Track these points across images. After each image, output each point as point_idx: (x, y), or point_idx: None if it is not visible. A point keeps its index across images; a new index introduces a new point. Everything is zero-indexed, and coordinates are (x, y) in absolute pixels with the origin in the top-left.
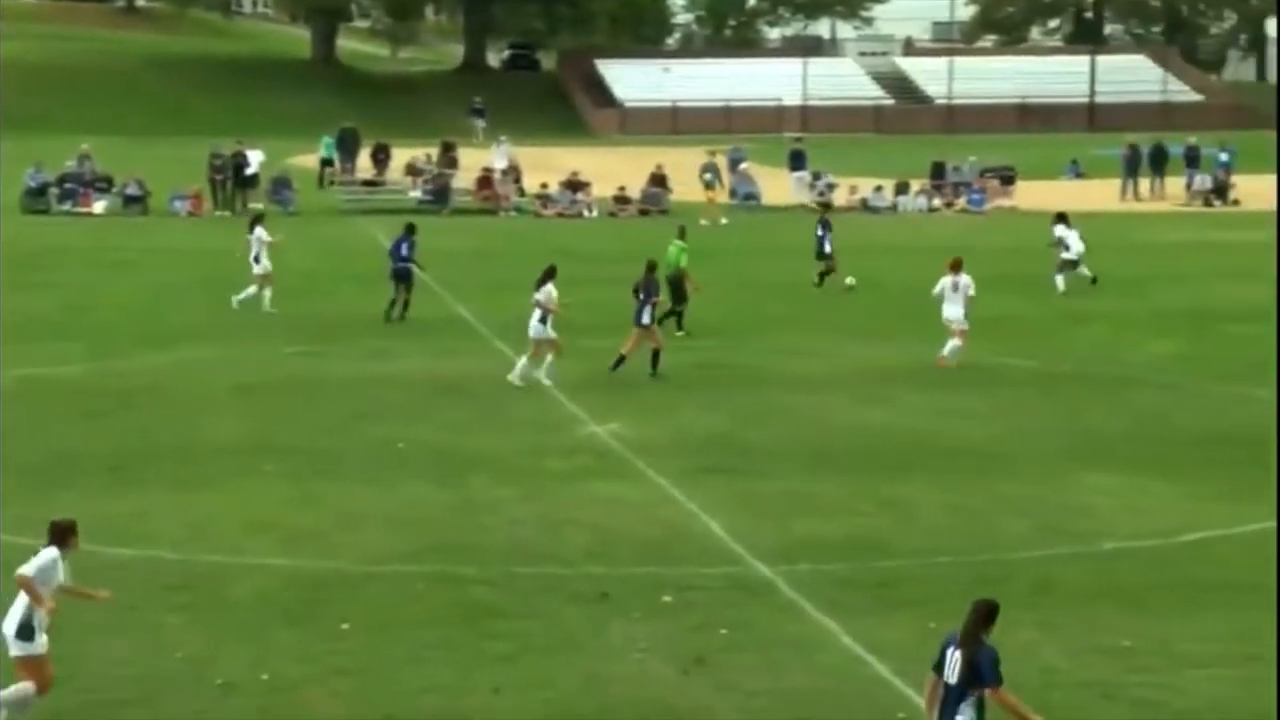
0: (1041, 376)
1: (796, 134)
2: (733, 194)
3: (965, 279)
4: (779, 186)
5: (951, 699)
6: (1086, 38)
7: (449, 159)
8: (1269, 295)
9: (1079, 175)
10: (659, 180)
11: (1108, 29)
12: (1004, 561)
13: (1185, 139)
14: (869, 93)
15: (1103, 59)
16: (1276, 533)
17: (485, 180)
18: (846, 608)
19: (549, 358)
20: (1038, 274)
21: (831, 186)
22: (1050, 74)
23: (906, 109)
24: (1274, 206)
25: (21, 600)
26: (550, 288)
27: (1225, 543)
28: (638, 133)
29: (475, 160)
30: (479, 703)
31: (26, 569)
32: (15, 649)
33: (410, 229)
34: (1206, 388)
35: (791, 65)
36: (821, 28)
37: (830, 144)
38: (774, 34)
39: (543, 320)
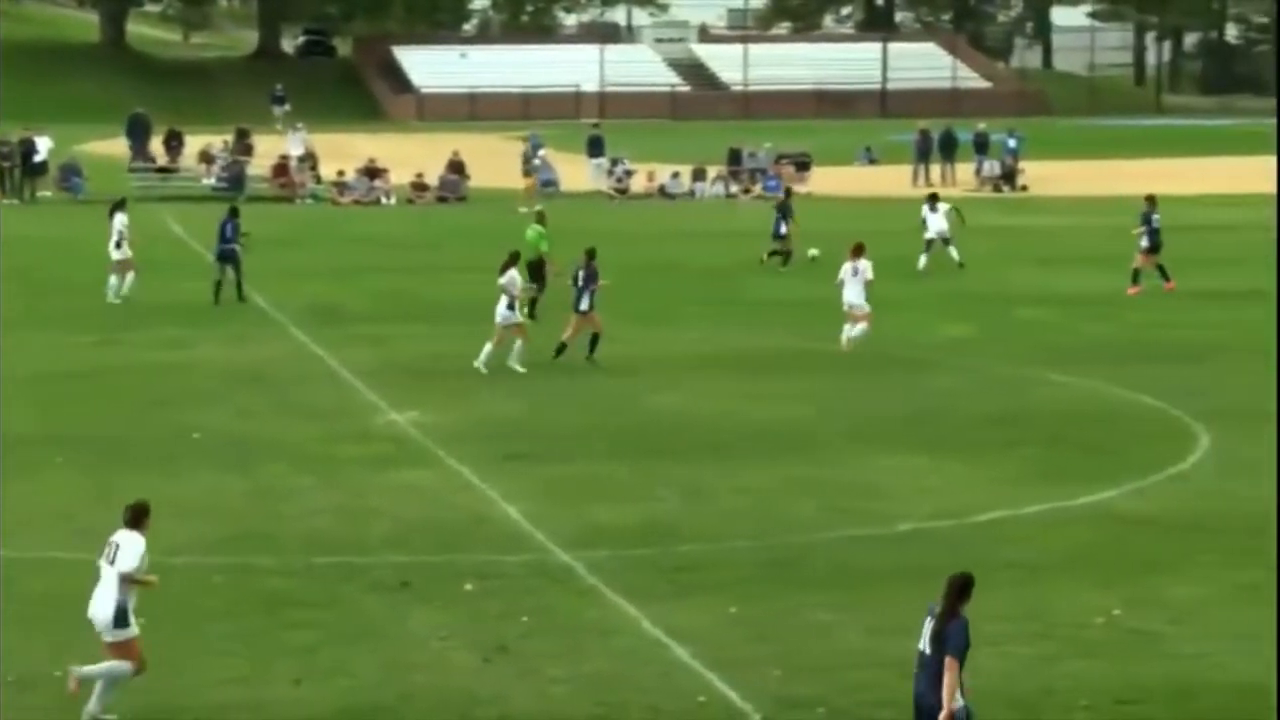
0: (837, 360)
1: (594, 120)
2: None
3: (864, 264)
4: (577, 173)
5: (924, 667)
6: (878, 25)
7: (244, 146)
8: (1058, 279)
9: (872, 161)
10: (457, 167)
11: (898, 16)
12: (800, 544)
13: (974, 125)
14: (666, 79)
15: (894, 46)
16: (1276, 527)
17: (281, 167)
18: (645, 592)
19: (518, 343)
20: (831, 258)
21: (629, 173)
22: (843, 61)
23: (703, 95)
24: (1062, 192)
25: (113, 588)
26: (514, 273)
27: (1015, 523)
28: (435, 119)
29: (272, 148)
30: (278, 693)
31: (127, 564)
32: (112, 635)
33: (234, 211)
34: (998, 371)
35: (588, 52)
36: (618, 14)
37: (628, 130)
38: (570, 20)
39: (510, 306)
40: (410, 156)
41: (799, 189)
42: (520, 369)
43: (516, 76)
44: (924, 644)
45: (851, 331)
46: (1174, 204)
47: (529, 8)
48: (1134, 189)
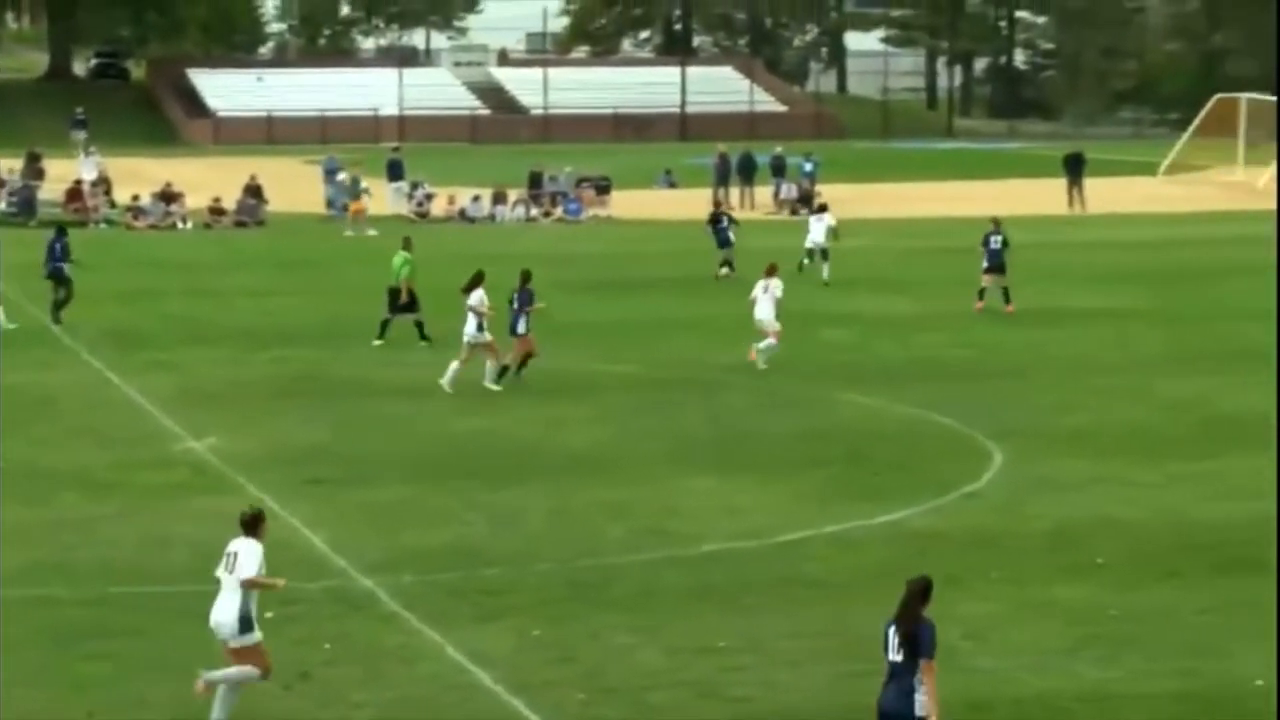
0: (640, 382)
1: (394, 144)
2: (330, 204)
3: (775, 282)
4: (377, 197)
5: (897, 676)
6: (676, 49)
7: (34, 170)
8: (854, 301)
9: (672, 184)
10: (255, 191)
11: (696, 41)
12: (605, 566)
13: (772, 148)
14: (465, 103)
15: (692, 70)
16: (1276, 529)
17: (74, 192)
18: (450, 617)
19: (489, 362)
20: (635, 280)
21: (430, 196)
22: (642, 85)
23: (503, 119)
24: (858, 214)
25: (235, 595)
26: (480, 292)
27: (816, 542)
28: (232, 143)
29: (65, 172)
30: None
31: (249, 570)
32: (237, 641)
33: (61, 230)
34: (798, 391)
35: (387, 75)
36: (416, 38)
37: (428, 154)
38: (369, 44)
39: (479, 327)
40: (207, 180)
41: (599, 213)
42: (494, 387)
43: (314, 100)
44: (892, 654)
45: (760, 345)
46: (964, 225)
47: (326, 31)
48: (927, 211)
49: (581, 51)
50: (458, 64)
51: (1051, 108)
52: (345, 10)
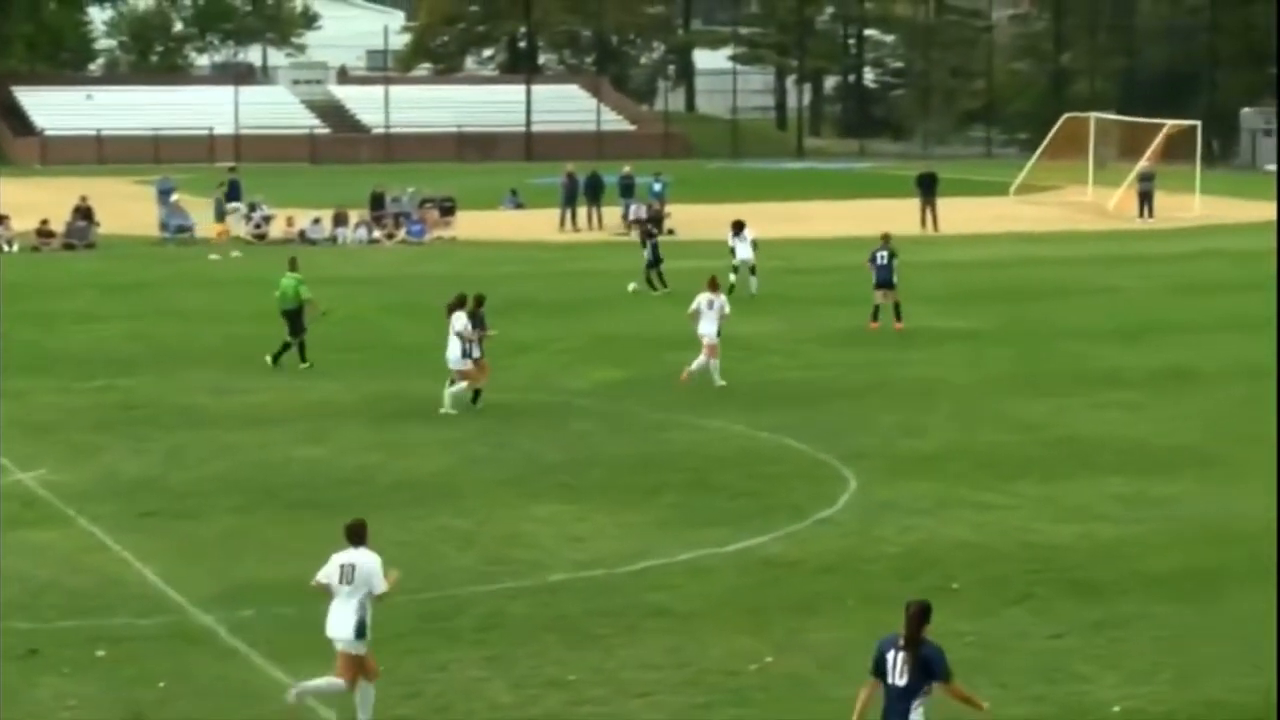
0: (484, 406)
1: (230, 164)
2: (164, 226)
3: (721, 298)
4: (213, 218)
5: (899, 700)
6: (521, 67)
7: None
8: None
9: (518, 205)
10: (85, 213)
11: (541, 59)
12: (451, 597)
13: (620, 168)
14: (304, 121)
15: (538, 88)
16: (1276, 536)
17: None
18: (289, 651)
19: (459, 385)
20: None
21: (268, 218)
22: (486, 103)
23: (343, 138)
24: (708, 235)
25: (354, 605)
26: (463, 315)
27: (666, 570)
28: (60, 163)
29: None
30: None
31: (380, 585)
32: (354, 647)
33: None
34: (646, 415)
35: (222, 93)
36: (253, 55)
37: (265, 174)
38: (203, 61)
39: (464, 354)
40: (34, 202)
41: (443, 234)
42: (451, 411)
43: (146, 118)
44: (895, 678)
45: (693, 365)
46: (815, 246)
47: (158, 48)
48: (777, 232)
49: (424, 69)
50: (296, 82)
51: (902, 127)
52: (178, 26)
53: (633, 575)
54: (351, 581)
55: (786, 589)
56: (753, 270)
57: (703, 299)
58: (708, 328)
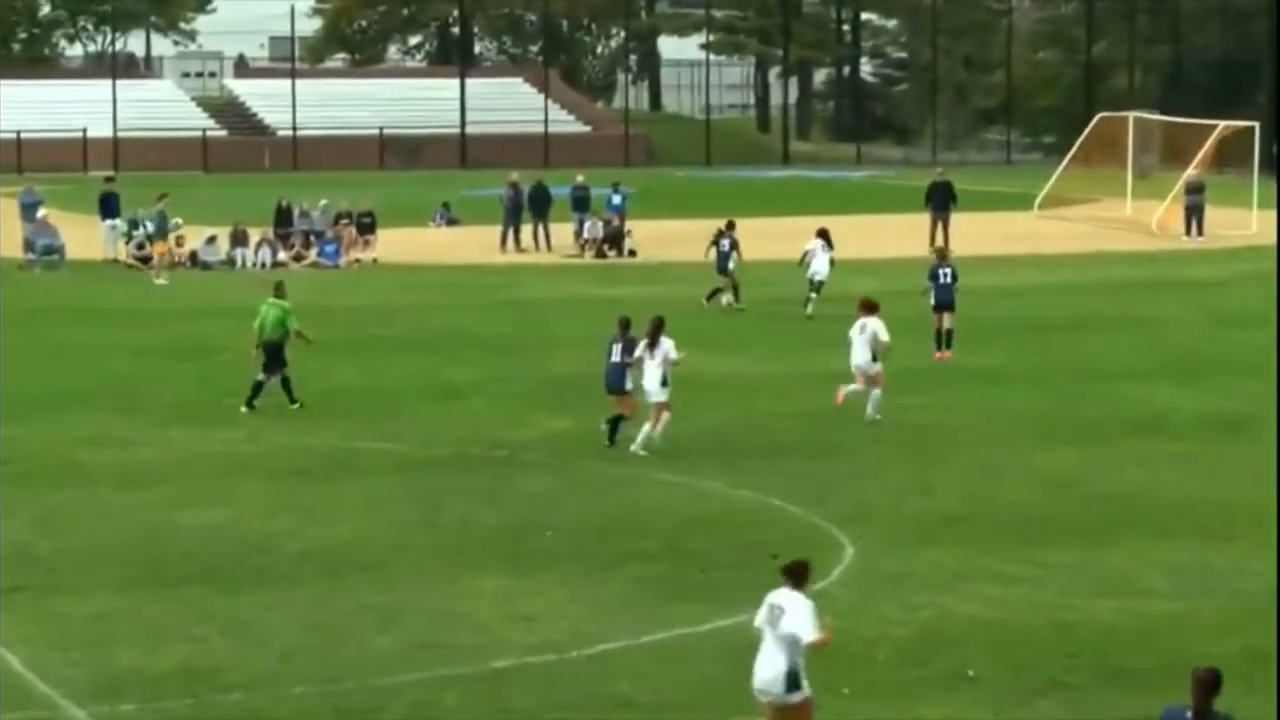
0: (408, 462)
1: (107, 173)
2: (29, 246)
3: (667, 343)
4: (88, 237)
5: None
6: (454, 58)
7: None
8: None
9: (451, 221)
10: None
11: (478, 47)
12: (374, 688)
13: (572, 178)
14: (195, 122)
15: (474, 83)
16: (1276, 527)
17: None
18: None
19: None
20: (406, 338)
21: (152, 238)
22: (413, 100)
23: (242, 141)
24: (676, 256)
25: (782, 651)
26: (670, 342)
27: (631, 654)
28: None
29: None
30: None
31: (807, 634)
32: (785, 700)
33: None
34: (606, 471)
35: (99, 89)
36: (135, 43)
37: (150, 184)
38: (75, 50)
39: (664, 382)
40: None
41: (362, 256)
42: (643, 452)
43: (7, 119)
44: None
45: (847, 388)
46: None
47: (21, 34)
48: (759, 253)
49: (338, 60)
50: (186, 75)
51: (906, 128)
52: (45, 9)
53: (591, 661)
54: (777, 626)
55: None
56: (819, 288)
57: (855, 325)
58: (860, 357)
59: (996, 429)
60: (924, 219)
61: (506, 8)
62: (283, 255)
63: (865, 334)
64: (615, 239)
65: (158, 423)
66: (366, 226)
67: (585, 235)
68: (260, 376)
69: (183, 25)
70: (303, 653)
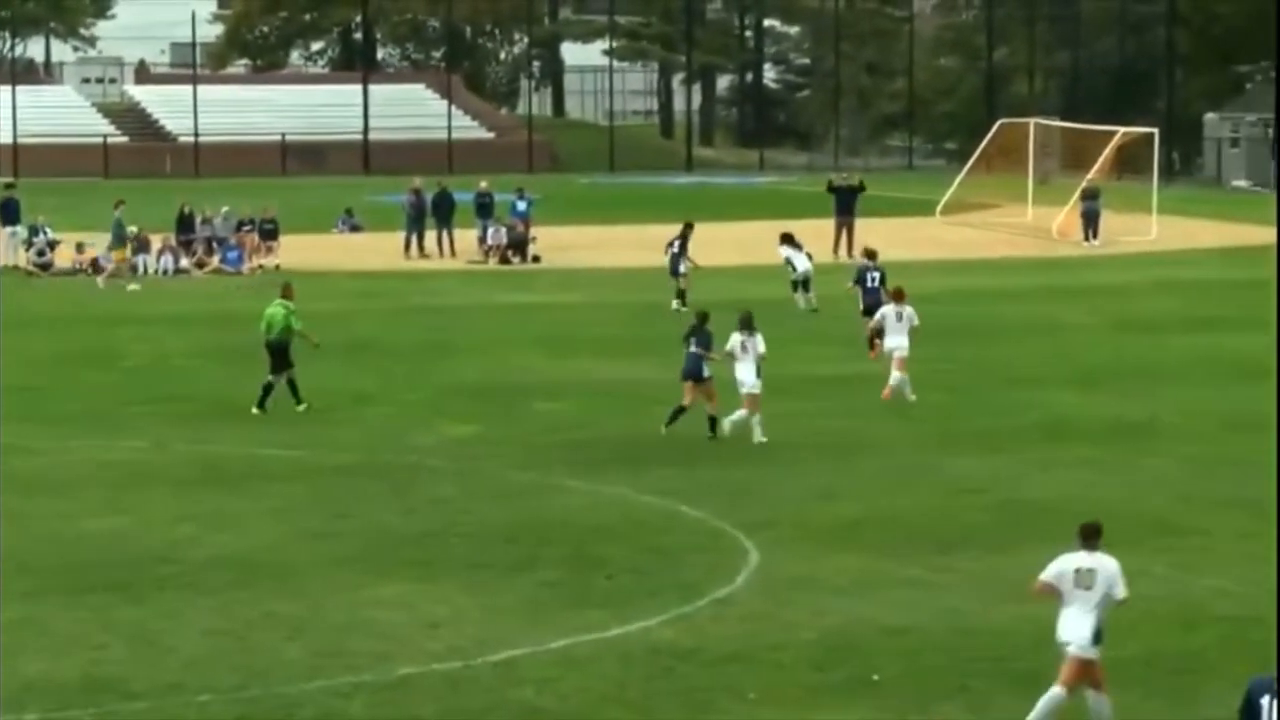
0: (311, 470)
1: (6, 180)
2: None
3: (908, 309)
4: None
5: None
6: (356, 64)
7: None
8: (579, 366)
9: (355, 227)
10: None
11: (381, 53)
12: (279, 695)
13: (476, 184)
14: (96, 128)
15: (376, 89)
16: (1276, 526)
17: None
18: None
19: (750, 415)
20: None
21: (53, 244)
22: (315, 106)
23: (143, 147)
24: (580, 262)
25: (1091, 611)
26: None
27: (537, 660)
28: None
29: None
30: None
31: (1121, 591)
32: (1090, 652)
33: None
34: (511, 477)
35: None
36: (33, 49)
37: (49, 191)
38: None
39: (759, 373)
40: None
41: (265, 262)
42: (764, 439)
43: None
44: None
45: (891, 382)
46: (707, 277)
47: None
48: (663, 259)
49: (239, 66)
50: (86, 81)
51: (809, 134)
52: None
53: (497, 667)
54: (1091, 587)
55: (678, 681)
56: (807, 284)
57: (890, 311)
58: (896, 341)
59: (903, 435)
60: (829, 223)
61: (409, 14)
62: (185, 262)
63: (903, 320)
64: (520, 245)
65: (61, 431)
66: (269, 233)
67: (489, 241)
68: (269, 378)
69: (83, 31)
70: (208, 661)
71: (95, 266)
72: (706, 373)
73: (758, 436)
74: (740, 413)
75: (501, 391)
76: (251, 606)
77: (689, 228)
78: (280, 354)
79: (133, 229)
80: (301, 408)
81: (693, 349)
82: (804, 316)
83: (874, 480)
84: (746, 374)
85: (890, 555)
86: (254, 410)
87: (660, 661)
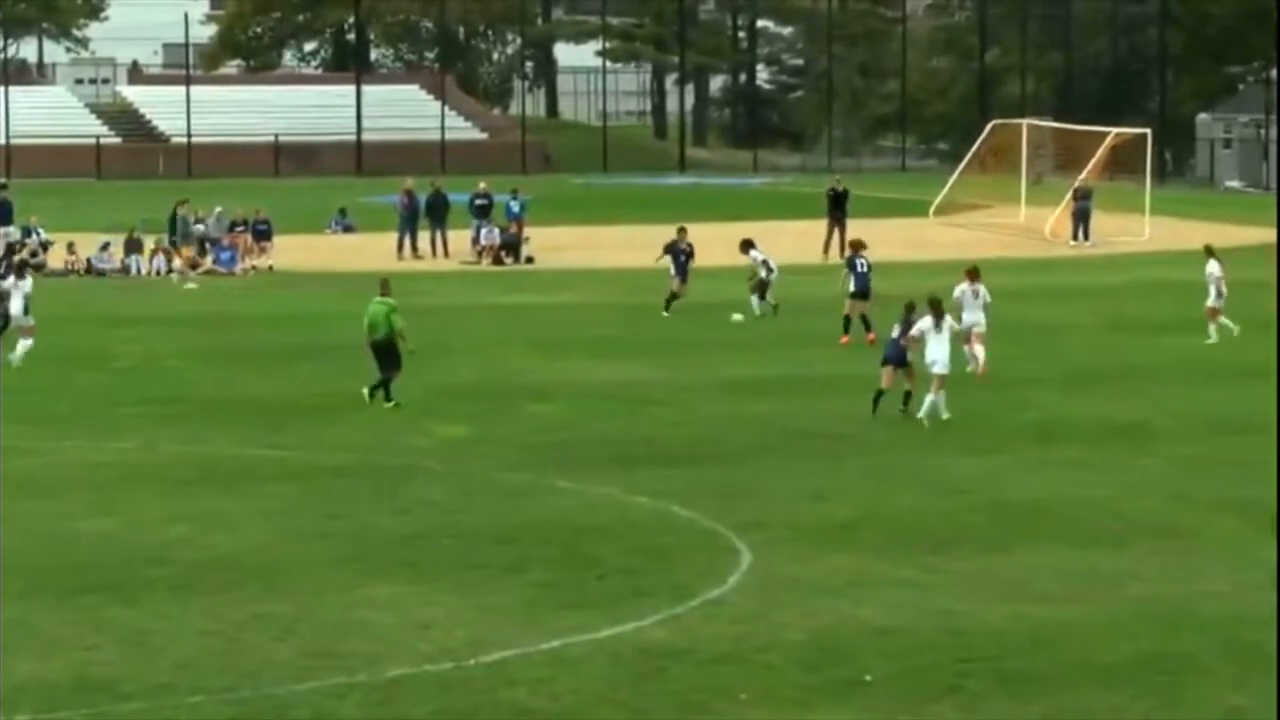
0: (303, 470)
1: (0, 180)
2: None
3: (981, 287)
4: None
5: None
6: (350, 64)
7: None
8: (570, 367)
9: (348, 228)
10: None
11: (374, 54)
12: (271, 697)
13: (470, 183)
14: (89, 129)
15: (370, 89)
16: (1277, 527)
17: None
18: None
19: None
20: (302, 345)
21: (46, 245)
22: (308, 107)
23: (136, 148)
24: (573, 263)
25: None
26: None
27: (527, 662)
28: None
29: None
30: None
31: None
32: None
33: None
34: (503, 479)
35: None
36: (26, 50)
37: (42, 192)
38: None
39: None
40: None
41: (258, 263)
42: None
43: None
44: None
45: (979, 360)
46: (700, 278)
47: None
48: (653, 260)
49: (233, 66)
50: (79, 81)
51: (802, 135)
52: None
53: (488, 668)
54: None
55: (670, 683)
56: (766, 288)
57: (966, 289)
58: (974, 316)
59: (893, 435)
60: (820, 225)
61: (402, 15)
62: (178, 262)
63: (979, 298)
64: (513, 246)
65: (52, 432)
66: (262, 233)
67: (483, 242)
68: (386, 374)
69: (75, 32)
70: (200, 662)
71: (89, 268)
72: (910, 358)
73: (944, 414)
74: (930, 396)
75: (494, 392)
76: (243, 607)
77: (682, 232)
78: (386, 352)
79: (199, 225)
80: (389, 405)
81: (894, 335)
82: (794, 316)
83: (866, 481)
84: (940, 353)
85: (882, 556)
86: (386, 404)
87: (652, 662)
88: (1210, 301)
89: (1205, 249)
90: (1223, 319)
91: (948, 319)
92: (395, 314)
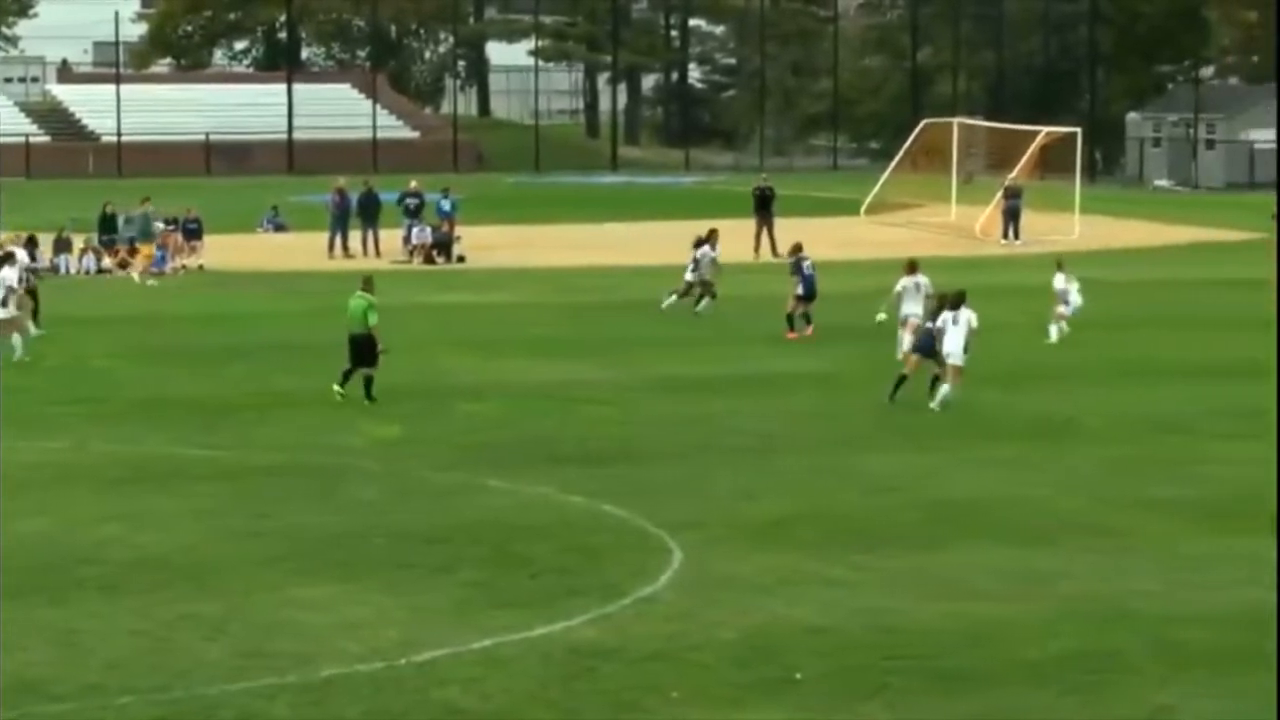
0: (233, 470)
1: None
2: None
3: (967, 312)
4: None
5: None
6: (281, 63)
7: None
8: (502, 367)
9: (280, 227)
10: None
11: (305, 53)
12: (201, 697)
13: (402, 183)
14: (18, 128)
15: (301, 88)
16: (1277, 526)
17: None
18: None
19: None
20: (234, 345)
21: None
22: (239, 106)
23: (66, 147)
24: (504, 262)
25: None
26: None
27: (458, 661)
28: None
29: None
30: None
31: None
32: None
33: None
34: (434, 478)
35: None
36: None
37: None
38: None
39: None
40: None
41: (188, 262)
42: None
43: None
44: None
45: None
46: (634, 276)
47: None
48: (589, 259)
49: (163, 65)
50: (8, 80)
51: (734, 134)
52: None
53: (419, 668)
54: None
55: (601, 681)
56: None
57: (946, 315)
58: (953, 344)
59: (826, 434)
60: (750, 223)
61: (334, 13)
62: (107, 262)
63: (920, 290)
64: (445, 245)
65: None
66: (193, 232)
67: (414, 241)
68: (366, 371)
69: (4, 30)
70: (130, 662)
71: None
72: (937, 348)
73: (937, 402)
74: (944, 387)
75: (427, 392)
76: (173, 607)
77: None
78: (362, 347)
79: (158, 224)
80: (340, 396)
81: (928, 324)
82: (733, 315)
83: (798, 479)
84: (955, 345)
85: (815, 554)
86: (365, 401)
87: (583, 661)
88: (1060, 309)
89: (1056, 262)
90: (1064, 323)
91: (965, 312)
92: (372, 310)
